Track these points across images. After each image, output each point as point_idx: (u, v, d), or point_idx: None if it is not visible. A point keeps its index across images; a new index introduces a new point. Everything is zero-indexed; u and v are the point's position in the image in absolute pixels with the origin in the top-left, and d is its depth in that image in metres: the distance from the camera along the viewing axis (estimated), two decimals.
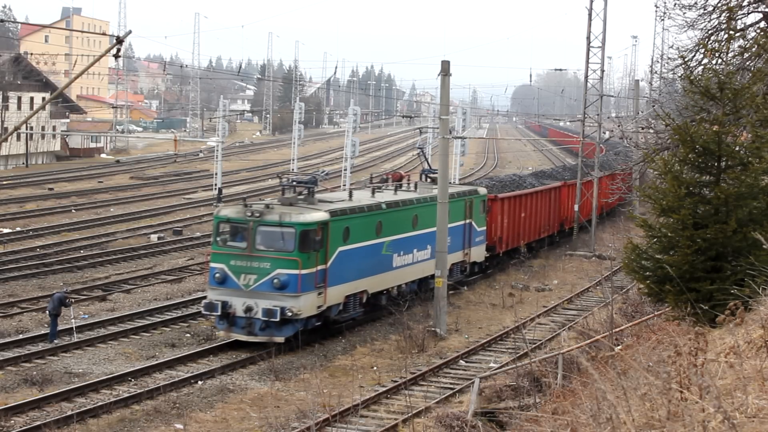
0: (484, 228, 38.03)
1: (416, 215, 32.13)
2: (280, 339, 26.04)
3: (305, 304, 26.20)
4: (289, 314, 25.77)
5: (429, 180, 36.41)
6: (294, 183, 29.56)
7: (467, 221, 36.21)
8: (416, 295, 31.95)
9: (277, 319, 25.64)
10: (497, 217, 39.65)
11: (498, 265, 40.72)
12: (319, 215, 26.89)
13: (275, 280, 25.96)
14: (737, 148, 15.86)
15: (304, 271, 26.10)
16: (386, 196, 31.92)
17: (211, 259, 27.02)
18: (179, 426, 20.64)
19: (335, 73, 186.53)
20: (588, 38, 52.04)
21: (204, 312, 27.09)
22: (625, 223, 51.98)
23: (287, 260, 26.03)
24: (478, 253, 37.64)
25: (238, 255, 26.45)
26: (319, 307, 26.83)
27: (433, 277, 32.20)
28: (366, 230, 29.13)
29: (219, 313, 26.21)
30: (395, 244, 30.84)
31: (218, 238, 27.06)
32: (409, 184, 35.48)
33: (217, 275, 26.46)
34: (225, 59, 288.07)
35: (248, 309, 26.06)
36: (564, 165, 66.99)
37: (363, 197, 30.71)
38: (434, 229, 31.71)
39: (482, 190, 38.60)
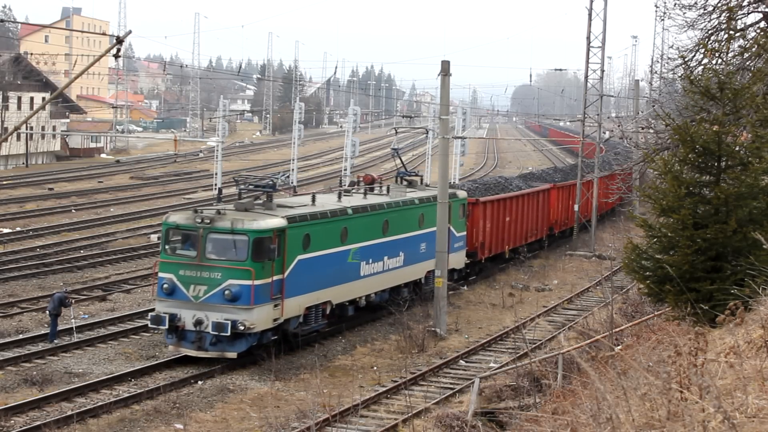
0: (464, 233, 36.18)
1: (387, 220, 30.34)
2: (233, 354, 24.39)
3: (259, 317, 24.49)
4: (242, 328, 24.05)
5: (405, 183, 34.88)
6: (251, 187, 27.47)
7: None
8: (389, 305, 30.57)
9: (228, 334, 23.96)
10: (479, 221, 37.95)
11: (481, 272, 39.26)
12: (274, 221, 25.11)
13: (226, 292, 24.21)
14: (737, 148, 15.86)
15: (257, 282, 24.32)
16: (354, 200, 30.07)
17: (159, 269, 25.28)
18: (179, 426, 20.64)
19: (335, 73, 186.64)
20: (588, 38, 52.05)
21: (150, 325, 25.35)
22: (625, 223, 51.99)
23: (239, 270, 24.25)
24: (457, 260, 35.58)
25: (187, 264, 24.71)
26: (275, 320, 25.14)
27: (406, 285, 31.83)
28: (329, 237, 27.40)
29: (167, 327, 24.51)
30: (363, 251, 29.06)
31: (167, 246, 25.31)
32: (381, 187, 33.31)
33: (165, 286, 24.71)
34: (225, 59, 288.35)
35: (198, 322, 24.34)
36: (556, 167, 63.96)
37: (328, 202, 28.95)
38: (408, 234, 31.12)
39: (461, 194, 36.69)
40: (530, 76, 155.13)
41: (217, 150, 63.09)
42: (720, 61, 20.14)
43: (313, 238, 26.48)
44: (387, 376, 24.90)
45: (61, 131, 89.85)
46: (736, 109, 15.75)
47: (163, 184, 72.35)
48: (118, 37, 16.49)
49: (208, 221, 24.72)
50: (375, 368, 25.93)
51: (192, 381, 23.65)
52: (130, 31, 18.03)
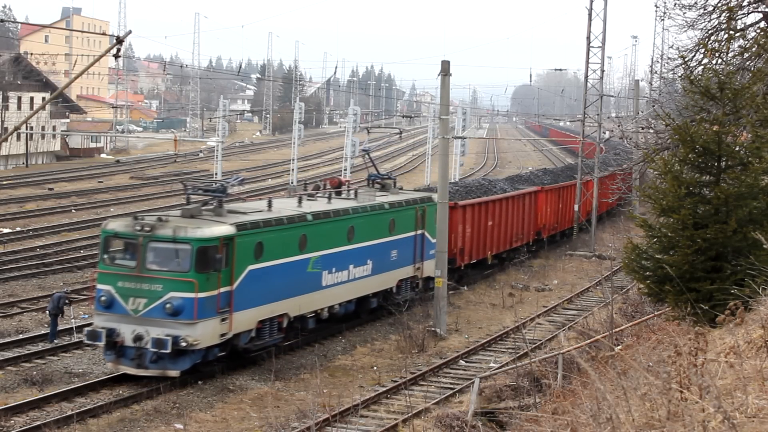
0: None
1: (353, 227, 28.46)
2: (175, 373, 22.68)
3: (203, 333, 22.76)
4: (184, 344, 22.29)
5: (379, 186, 33.19)
6: (199, 191, 25.58)
7: (419, 232, 32.27)
8: (356, 316, 29.64)
9: (168, 350, 22.27)
10: (458, 226, 35.73)
11: (461, 279, 37.17)
12: (221, 229, 23.31)
13: (168, 305, 22.45)
14: (737, 148, 15.87)
15: (201, 295, 22.59)
16: (316, 205, 28.08)
17: (97, 280, 23.52)
18: (179, 426, 20.64)
19: (335, 73, 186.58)
20: (588, 38, 52.07)
21: (86, 341, 23.58)
22: (625, 223, 52.00)
23: (182, 282, 22.49)
24: (433, 268, 32.71)
25: (126, 275, 22.92)
26: (222, 335, 23.36)
27: (375, 295, 30.23)
28: (286, 245, 25.52)
29: (103, 342, 22.80)
30: (325, 260, 27.15)
31: (105, 256, 23.54)
32: (349, 191, 31.36)
33: (103, 298, 22.96)
34: (225, 59, 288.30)
35: (138, 338, 22.59)
36: (546, 169, 61.68)
37: (286, 207, 26.88)
38: (376, 241, 29.56)
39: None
40: (530, 76, 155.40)
41: (217, 150, 63.13)
42: (720, 61, 20.17)
43: (266, 246, 24.63)
44: (387, 376, 24.90)
45: (61, 131, 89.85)
46: (736, 109, 15.76)
47: (163, 184, 72.34)
48: (118, 37, 16.50)
49: (149, 229, 22.94)
50: (375, 368, 25.93)
51: (192, 381, 23.63)
52: (130, 31, 18.04)
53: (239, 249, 23.60)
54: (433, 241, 32.75)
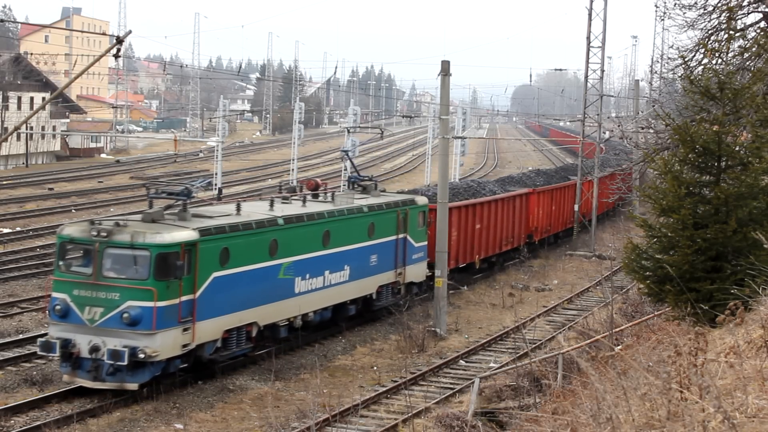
0: (424, 243, 32.72)
1: (328, 231, 27.32)
2: (133, 386, 21.47)
3: (163, 344, 21.62)
4: (142, 356, 21.17)
5: (360, 188, 32.14)
6: (162, 194, 24.36)
7: (400, 236, 31.18)
8: (333, 324, 28.69)
9: (125, 363, 21.07)
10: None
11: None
12: (183, 234, 22.13)
13: (125, 315, 21.30)
14: (737, 148, 15.87)
15: (161, 303, 21.47)
16: (289, 208, 26.91)
17: (53, 288, 22.38)
18: (179, 426, 20.65)
19: (335, 73, 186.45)
20: (588, 38, 52.09)
21: (40, 352, 22.35)
22: (625, 223, 52.00)
23: (140, 290, 21.39)
24: (417, 273, 32.44)
25: (82, 283, 21.78)
26: (184, 345, 22.23)
27: (353, 302, 29.21)
28: (254, 251, 24.38)
29: (57, 354, 21.69)
30: (298, 265, 25.99)
31: (61, 263, 22.40)
32: (326, 193, 30.29)
33: (58, 307, 21.79)
34: (225, 59, 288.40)
35: (94, 349, 21.41)
36: (539, 170, 60.20)
37: (256, 210, 25.81)
38: (354, 246, 28.52)
39: (421, 200, 33.21)
40: (530, 76, 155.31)
41: (217, 150, 63.09)
42: (720, 61, 20.18)
43: (233, 252, 23.49)
44: (387, 376, 24.91)
45: (61, 131, 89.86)
46: (736, 109, 15.76)
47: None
48: (118, 37, 16.51)
49: (105, 234, 21.77)
50: (375, 368, 25.94)
51: (192, 381, 23.63)
52: (130, 31, 18.04)
53: (203, 255, 22.47)
54: (416, 245, 32.15)
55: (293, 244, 25.84)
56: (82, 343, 21.60)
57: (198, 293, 22.43)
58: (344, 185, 33.20)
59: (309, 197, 29.06)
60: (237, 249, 23.64)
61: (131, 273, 21.70)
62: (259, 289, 24.52)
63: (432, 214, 33.41)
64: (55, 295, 22.17)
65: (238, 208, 25.10)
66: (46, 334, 22.85)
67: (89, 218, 23.97)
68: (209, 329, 22.93)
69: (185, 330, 22.16)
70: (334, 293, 27.98)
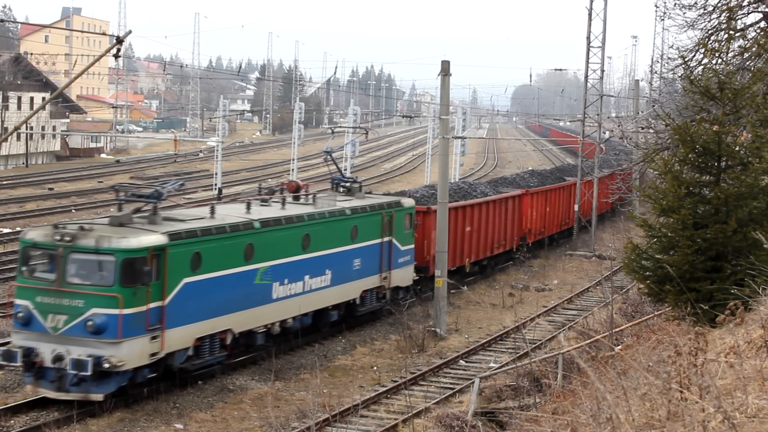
0: (411, 246, 31.86)
1: (308, 234, 26.41)
2: (98, 397, 20.58)
3: (130, 353, 20.69)
4: (107, 365, 20.24)
5: (344, 190, 31.32)
6: (131, 197, 23.39)
7: (385, 239, 30.25)
8: (314, 330, 27.89)
9: (89, 372, 20.22)
10: (431, 232, 33.02)
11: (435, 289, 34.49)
12: (151, 239, 21.24)
13: (89, 323, 20.39)
14: (737, 148, 15.87)
15: (127, 311, 20.56)
16: (267, 211, 26.03)
17: (15, 294, 21.72)
18: (179, 426, 20.66)
19: (335, 73, 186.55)
20: (588, 38, 52.10)
21: (1, 362, 21.40)
22: (625, 223, 52.01)
23: (105, 297, 20.48)
24: (403, 277, 31.52)
25: (45, 290, 20.80)
26: (152, 354, 21.31)
27: (336, 308, 28.30)
28: (229, 255, 23.48)
29: (19, 363, 20.81)
30: (276, 270, 25.11)
31: (24, 268, 21.40)
32: (307, 196, 29.09)
33: (21, 315, 20.88)
34: (225, 59, 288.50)
35: (58, 358, 20.50)
36: (533, 170, 58.81)
37: (231, 214, 24.84)
38: (336, 250, 27.68)
39: (408, 202, 32.17)
40: (530, 76, 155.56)
41: (217, 150, 63.11)
42: (720, 61, 20.19)
43: (205, 257, 22.60)
44: (387, 376, 24.92)
45: (61, 131, 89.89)
46: (736, 109, 15.76)
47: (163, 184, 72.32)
48: (118, 37, 16.52)
49: (69, 239, 20.84)
50: (375, 368, 25.95)
51: (192, 381, 23.63)
52: (130, 31, 18.06)
53: (172, 260, 21.57)
54: (402, 248, 31.31)
55: (271, 249, 24.95)
56: (45, 352, 20.68)
57: (167, 300, 21.53)
58: (333, 186, 32.12)
59: (289, 199, 28.24)
60: (209, 254, 22.76)
61: (96, 279, 20.75)
62: (233, 295, 23.64)
63: (419, 216, 32.88)
64: (17, 302, 21.33)
65: (212, 211, 24.24)
66: (8, 343, 22.13)
67: (53, 222, 23.14)
68: (179, 337, 22.04)
69: (153, 338, 21.26)
70: (315, 299, 27.07)
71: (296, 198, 28.69)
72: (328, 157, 33.11)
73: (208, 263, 22.69)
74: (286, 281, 25.60)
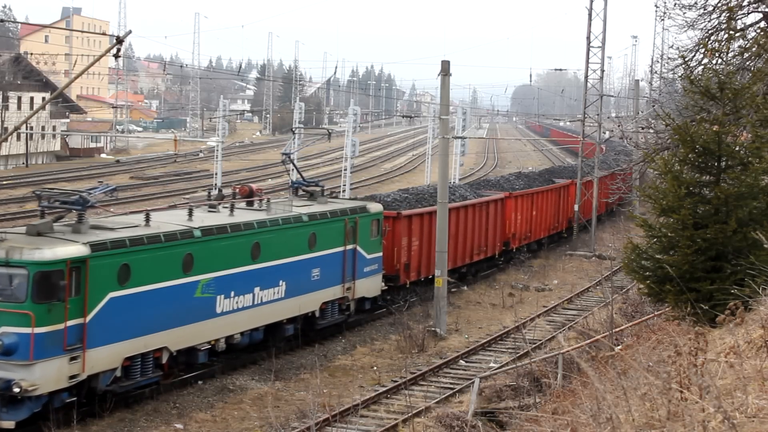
0: (379, 254, 30.24)
1: (258, 243, 24.62)
2: (9, 424, 18.59)
3: (44, 376, 18.79)
4: (17, 390, 18.38)
5: (307, 194, 29.68)
6: (55, 204, 21.36)
7: (349, 247, 28.54)
8: (268, 344, 25.97)
9: None
10: (401, 239, 31.82)
11: (407, 297, 32.32)
12: (69, 249, 19.29)
13: None
14: (737, 148, 15.87)
15: (40, 330, 18.67)
16: (211, 218, 24.03)
17: None
18: (179, 426, 20.66)
19: (335, 73, 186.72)
20: (588, 38, 52.13)
21: None
22: (625, 223, 52.04)
23: (15, 314, 18.64)
24: (369, 287, 29.81)
25: None
26: (72, 377, 19.37)
27: (292, 321, 26.55)
28: (164, 267, 21.57)
29: None
30: (220, 282, 23.21)
31: None
32: (261, 201, 27.12)
33: None
34: (225, 59, 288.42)
35: None
36: (520, 172, 56.67)
37: (170, 221, 22.92)
38: (291, 259, 25.96)
39: (375, 207, 30.35)
40: (530, 76, 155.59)
41: (217, 150, 63.11)
42: (720, 61, 20.17)
43: (135, 269, 20.70)
44: (387, 376, 24.92)
45: (61, 131, 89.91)
46: (736, 109, 15.76)
47: (163, 184, 72.35)
48: (118, 37, 16.53)
49: None
50: (375, 368, 25.95)
51: (192, 381, 23.63)
52: (130, 31, 18.06)
53: (95, 273, 19.72)
54: (369, 257, 29.63)
55: (214, 259, 23.08)
56: None
57: (89, 317, 19.64)
58: (293, 191, 30.42)
59: (242, 205, 26.54)
60: (140, 265, 20.88)
61: (6, 295, 18.92)
62: (169, 310, 21.76)
63: (388, 222, 31.26)
64: None
65: (147, 219, 22.10)
66: None
67: None
68: (104, 357, 20.14)
69: (73, 359, 19.36)
70: (267, 312, 25.23)
71: (249, 204, 26.89)
72: (287, 159, 31.40)
73: (138, 276, 20.84)
74: (232, 294, 23.80)
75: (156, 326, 21.43)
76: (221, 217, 24.47)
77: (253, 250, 24.57)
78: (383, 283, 30.81)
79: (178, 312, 22.05)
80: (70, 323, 19.23)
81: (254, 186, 28.83)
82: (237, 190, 28.43)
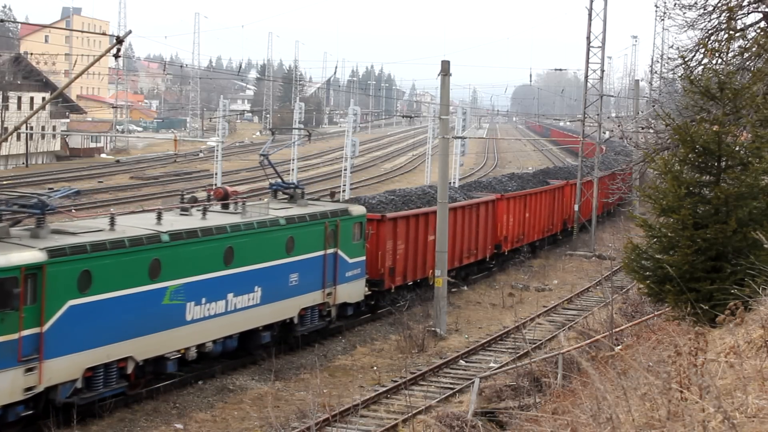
0: (362, 258, 29.32)
1: (231, 247, 23.63)
2: None
3: None
4: None
5: (287, 197, 28.89)
6: (14, 206, 20.32)
7: (329, 251, 27.59)
8: (245, 352, 25.30)
9: None
10: (386, 242, 31.09)
11: (393, 303, 31.51)
12: (23, 256, 18.35)
13: None
14: (737, 148, 15.88)
15: None
16: (182, 222, 23.08)
17: None
18: (179, 426, 20.66)
19: (335, 73, 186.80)
20: (588, 38, 52.13)
21: None
22: (625, 223, 52.02)
23: None
24: (351, 292, 28.87)
25: None
26: (27, 389, 18.41)
27: (268, 328, 25.63)
28: (128, 273, 20.57)
29: None
30: (190, 289, 22.28)
31: None
32: (237, 204, 26.06)
33: None
34: (225, 59, 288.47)
35: None
36: (513, 173, 55.25)
37: (136, 225, 21.93)
38: (267, 264, 25.03)
39: (357, 210, 29.43)
40: (530, 76, 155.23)
41: (217, 150, 63.10)
42: (720, 61, 20.16)
43: (96, 275, 19.75)
44: (387, 376, 24.92)
45: (61, 131, 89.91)
46: (736, 109, 15.76)
47: (163, 184, 72.36)
48: (118, 37, 16.53)
49: None
50: (375, 368, 25.95)
51: (192, 381, 23.63)
52: (130, 31, 18.06)
53: (53, 280, 18.77)
54: (351, 261, 28.70)
55: (183, 264, 22.15)
56: None
57: (46, 326, 18.71)
58: (272, 193, 29.77)
59: (215, 208, 25.51)
60: (102, 271, 19.94)
61: None
62: (134, 318, 20.81)
63: (372, 225, 30.34)
64: None
65: (112, 223, 21.12)
66: None
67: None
68: (63, 368, 19.18)
69: (28, 370, 18.42)
70: (241, 319, 24.29)
71: (224, 206, 25.82)
72: (265, 161, 30.30)
73: (100, 283, 19.91)
74: (203, 301, 22.87)
75: (120, 335, 20.52)
76: (192, 221, 23.48)
77: (226, 254, 23.61)
78: (367, 288, 29.96)
79: (144, 320, 21.13)
80: (25, 333, 18.31)
81: (229, 188, 28.11)
82: (211, 193, 27.52)
